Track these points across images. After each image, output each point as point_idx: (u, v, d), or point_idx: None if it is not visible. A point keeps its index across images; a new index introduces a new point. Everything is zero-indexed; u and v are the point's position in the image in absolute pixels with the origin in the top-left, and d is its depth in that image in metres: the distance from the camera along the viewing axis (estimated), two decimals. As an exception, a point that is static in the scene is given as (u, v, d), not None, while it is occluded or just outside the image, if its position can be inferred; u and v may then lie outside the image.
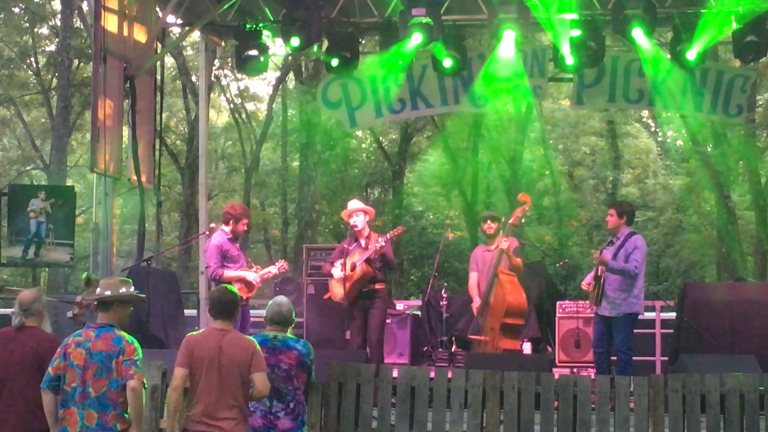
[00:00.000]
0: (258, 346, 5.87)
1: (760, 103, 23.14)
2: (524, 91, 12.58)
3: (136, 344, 5.64)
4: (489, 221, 10.05)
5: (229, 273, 9.26)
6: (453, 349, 10.79)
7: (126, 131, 11.72)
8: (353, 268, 9.41)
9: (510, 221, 9.75)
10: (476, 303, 9.89)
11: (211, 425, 5.65)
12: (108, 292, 5.78)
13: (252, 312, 9.67)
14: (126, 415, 5.57)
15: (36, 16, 25.96)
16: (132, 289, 5.85)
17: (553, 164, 25.70)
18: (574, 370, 10.44)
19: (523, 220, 10.05)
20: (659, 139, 28.13)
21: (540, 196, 24.57)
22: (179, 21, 12.63)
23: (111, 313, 5.76)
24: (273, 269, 9.59)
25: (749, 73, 12.57)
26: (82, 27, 22.42)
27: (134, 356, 5.57)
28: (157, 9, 12.21)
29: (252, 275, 9.35)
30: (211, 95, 24.12)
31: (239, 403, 5.73)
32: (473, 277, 10.08)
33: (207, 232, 11.97)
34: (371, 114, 12.95)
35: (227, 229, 9.43)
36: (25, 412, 5.91)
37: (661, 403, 6.91)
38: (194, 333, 5.96)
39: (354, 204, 9.78)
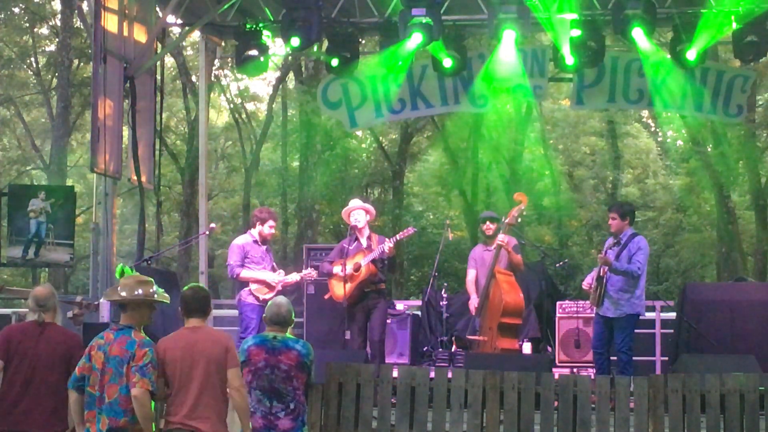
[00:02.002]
0: (232, 341, 5.85)
1: (760, 103, 23.14)
2: (524, 91, 12.58)
3: (149, 348, 5.56)
4: (488, 222, 10.05)
5: (246, 273, 9.31)
6: (453, 349, 10.78)
7: (126, 131, 11.71)
8: (357, 268, 9.40)
9: (507, 221, 9.75)
10: (473, 301, 9.90)
11: (188, 425, 5.61)
12: (124, 293, 5.67)
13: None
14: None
15: (36, 16, 25.96)
16: (152, 288, 5.71)
17: (553, 164, 25.69)
18: (574, 370, 10.44)
19: (519, 220, 10.07)
20: (659, 139, 28.12)
21: (540, 196, 24.57)
22: (179, 21, 12.63)
23: (128, 314, 5.67)
24: (294, 276, 9.62)
25: (749, 73, 12.58)
26: (82, 27, 22.43)
27: (141, 362, 5.47)
28: (157, 9, 12.20)
29: (272, 275, 9.39)
30: (211, 95, 24.10)
31: (217, 401, 5.69)
32: (471, 274, 10.08)
33: (207, 232, 12.04)
34: (371, 114, 12.95)
35: (254, 231, 9.54)
36: (50, 411, 5.91)
37: (661, 403, 6.91)
38: (164, 338, 5.85)
39: (355, 203, 9.79)
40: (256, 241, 9.52)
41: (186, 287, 6.04)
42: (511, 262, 9.75)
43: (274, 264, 9.70)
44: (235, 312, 10.11)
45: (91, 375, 5.57)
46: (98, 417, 5.50)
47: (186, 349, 5.69)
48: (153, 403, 5.57)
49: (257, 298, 9.32)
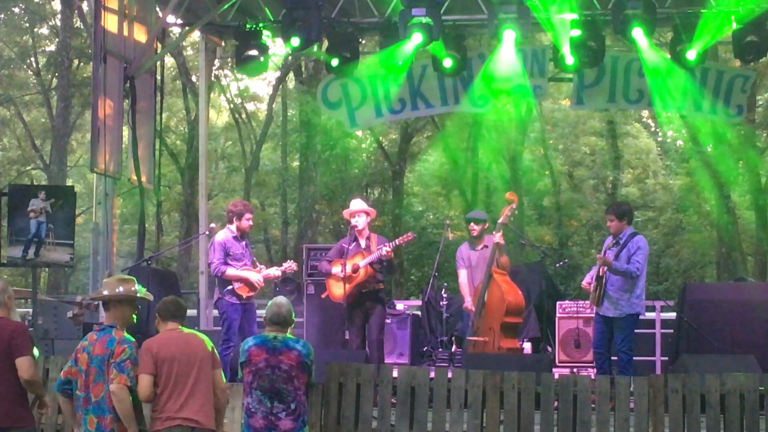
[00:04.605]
0: (211, 342, 5.96)
1: (760, 103, 23.13)
2: (524, 91, 12.59)
3: (128, 344, 5.60)
4: (472, 223, 10.02)
5: (231, 271, 9.28)
6: (453, 349, 10.79)
7: (126, 131, 11.72)
8: (355, 270, 9.39)
9: (500, 220, 9.75)
10: (468, 303, 9.86)
11: (185, 419, 5.67)
12: (105, 292, 5.76)
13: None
14: None
15: (36, 16, 25.99)
16: (134, 287, 5.78)
17: (553, 164, 25.70)
18: (574, 370, 10.44)
19: (512, 218, 10.07)
20: (659, 139, 28.10)
21: (540, 196, 24.55)
22: (179, 21, 12.65)
23: (110, 313, 5.74)
24: (275, 271, 9.58)
25: (749, 73, 12.59)
26: (82, 27, 22.47)
27: (119, 358, 5.53)
28: (157, 9, 12.21)
29: (255, 275, 9.35)
30: (211, 95, 24.09)
31: (206, 397, 5.78)
32: (462, 274, 9.99)
33: (207, 232, 12.03)
34: (371, 114, 12.96)
35: (232, 227, 9.45)
36: (4, 404, 5.75)
37: (661, 403, 6.91)
38: (152, 338, 5.90)
39: (357, 204, 9.75)
40: (235, 237, 9.42)
41: (166, 299, 6.09)
42: (498, 262, 9.72)
43: (254, 258, 9.67)
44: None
45: (78, 378, 5.61)
46: (85, 417, 5.54)
47: (182, 347, 5.78)
48: (133, 399, 5.57)
49: (240, 297, 9.29)
